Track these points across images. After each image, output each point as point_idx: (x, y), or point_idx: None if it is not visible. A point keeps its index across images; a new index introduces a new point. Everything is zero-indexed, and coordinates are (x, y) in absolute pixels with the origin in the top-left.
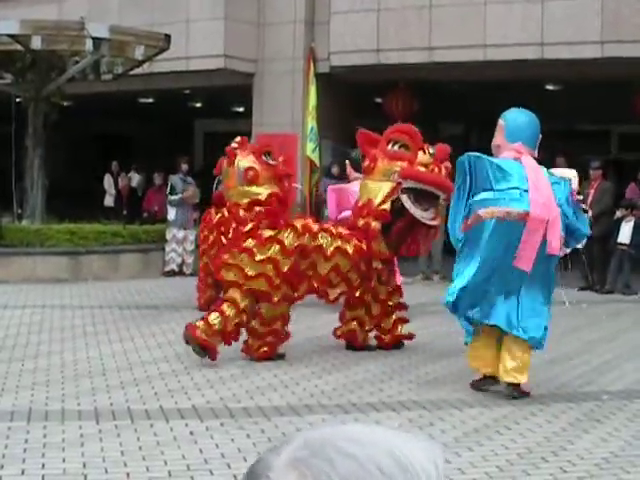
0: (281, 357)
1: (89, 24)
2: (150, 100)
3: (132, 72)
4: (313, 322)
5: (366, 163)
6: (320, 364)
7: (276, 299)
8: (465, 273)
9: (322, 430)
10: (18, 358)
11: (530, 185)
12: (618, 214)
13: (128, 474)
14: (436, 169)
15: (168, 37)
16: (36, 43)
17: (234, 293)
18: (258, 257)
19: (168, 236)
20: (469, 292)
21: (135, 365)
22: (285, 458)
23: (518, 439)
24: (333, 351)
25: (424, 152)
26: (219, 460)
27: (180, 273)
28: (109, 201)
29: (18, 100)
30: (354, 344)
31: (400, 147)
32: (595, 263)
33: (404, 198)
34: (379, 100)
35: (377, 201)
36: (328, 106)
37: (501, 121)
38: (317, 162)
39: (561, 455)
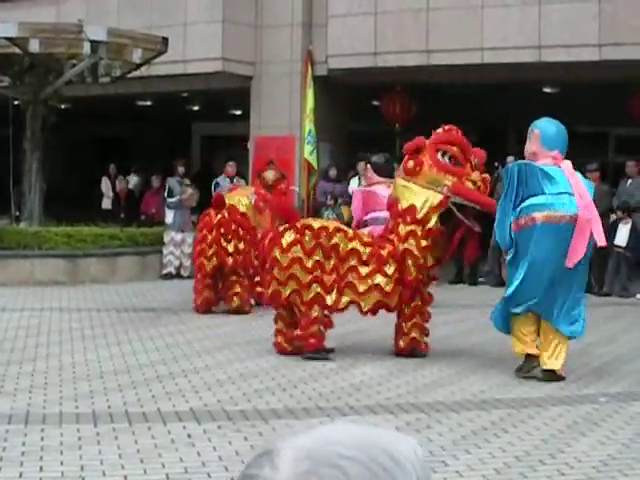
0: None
1: (87, 27)
2: (148, 103)
3: (130, 75)
4: None
5: (410, 165)
6: (317, 367)
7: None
8: (514, 281)
9: (309, 437)
10: (16, 361)
11: (574, 189)
12: (614, 216)
13: (126, 477)
14: (482, 186)
15: (166, 40)
16: (34, 46)
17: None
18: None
19: (166, 239)
20: (517, 294)
21: (133, 368)
22: (289, 473)
23: (515, 442)
24: (330, 354)
25: (471, 165)
26: (217, 463)
27: (178, 276)
28: (107, 204)
29: (16, 103)
30: (419, 351)
31: (450, 158)
32: (592, 265)
33: (455, 210)
34: (376, 103)
35: (422, 212)
36: (326, 109)
37: (535, 130)
38: (315, 165)
39: (559, 458)
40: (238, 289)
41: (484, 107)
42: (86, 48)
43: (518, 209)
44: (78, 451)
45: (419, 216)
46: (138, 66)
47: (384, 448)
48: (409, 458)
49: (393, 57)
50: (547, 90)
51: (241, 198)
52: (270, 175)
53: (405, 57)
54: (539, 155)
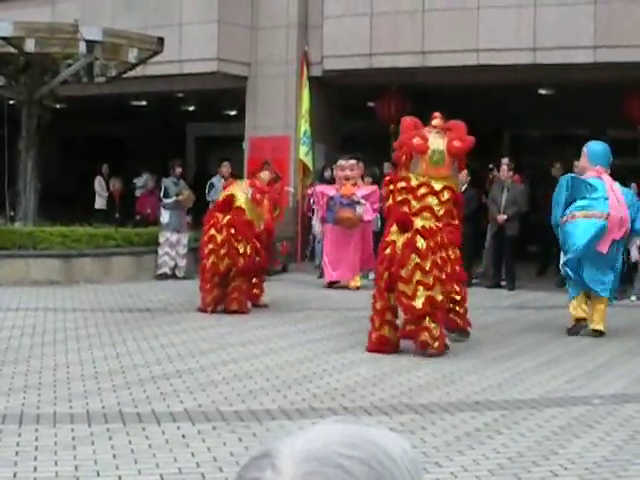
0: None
1: (83, 27)
2: (143, 103)
3: (125, 75)
4: (304, 326)
5: None
6: (312, 368)
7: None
8: (568, 255)
9: (306, 438)
10: (10, 361)
11: (609, 194)
12: None
13: (120, 477)
14: None
15: (161, 40)
16: (29, 46)
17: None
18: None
19: (161, 239)
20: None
21: (127, 368)
22: (293, 474)
23: (509, 443)
24: (324, 355)
25: None
26: (211, 464)
27: (173, 276)
28: (100, 204)
29: (11, 102)
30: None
31: None
32: None
33: None
34: (372, 104)
35: None
36: (321, 110)
37: (584, 149)
38: (310, 165)
39: (552, 459)
40: (239, 293)
41: (479, 108)
42: (82, 48)
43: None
44: (72, 451)
45: None
46: (134, 66)
47: (380, 446)
48: (402, 456)
49: (388, 58)
50: (542, 92)
51: (237, 193)
52: (265, 176)
53: (400, 58)
54: (586, 169)
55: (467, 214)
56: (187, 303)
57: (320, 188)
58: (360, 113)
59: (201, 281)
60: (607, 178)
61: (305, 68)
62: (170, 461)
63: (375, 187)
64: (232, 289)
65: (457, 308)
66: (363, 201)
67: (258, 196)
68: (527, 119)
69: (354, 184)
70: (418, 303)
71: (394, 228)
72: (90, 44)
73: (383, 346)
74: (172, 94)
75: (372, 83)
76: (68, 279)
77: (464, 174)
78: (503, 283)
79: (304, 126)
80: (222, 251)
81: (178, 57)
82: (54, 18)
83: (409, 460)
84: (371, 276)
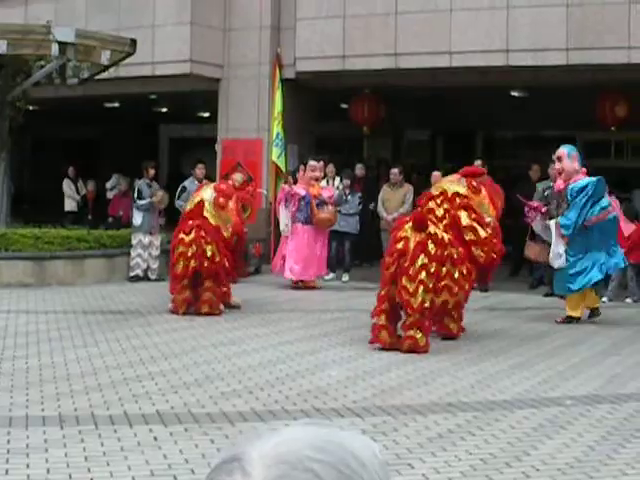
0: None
1: (55, 28)
2: (116, 105)
3: (98, 76)
4: (276, 328)
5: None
6: (284, 370)
7: None
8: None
9: (275, 441)
10: None
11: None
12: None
13: (92, 479)
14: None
15: (134, 42)
16: (1, 47)
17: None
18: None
19: (134, 241)
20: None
21: (99, 370)
22: (263, 478)
23: (482, 445)
24: (297, 357)
25: None
26: (183, 466)
27: (145, 278)
28: (71, 206)
29: None
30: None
31: None
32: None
33: None
34: (345, 106)
35: None
36: (294, 112)
37: (572, 152)
38: (283, 168)
39: (524, 460)
40: (210, 296)
41: (452, 110)
42: (54, 49)
43: (597, 207)
44: (44, 454)
45: None
46: (106, 68)
47: (349, 449)
48: (371, 459)
49: (361, 60)
50: (515, 94)
51: (204, 198)
52: (238, 177)
53: (373, 60)
54: (578, 171)
55: None
56: (160, 305)
57: (291, 188)
58: (333, 115)
59: (171, 283)
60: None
61: (278, 70)
62: (142, 463)
63: (332, 189)
64: (203, 291)
65: (452, 312)
66: (328, 202)
67: (221, 200)
68: (500, 121)
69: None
70: (415, 302)
71: (409, 225)
72: (63, 45)
73: (382, 339)
74: (145, 96)
75: (345, 85)
76: (40, 281)
77: (437, 176)
78: (475, 285)
79: (277, 128)
80: (190, 251)
81: (151, 59)
82: (27, 19)
83: (378, 463)
84: (330, 276)
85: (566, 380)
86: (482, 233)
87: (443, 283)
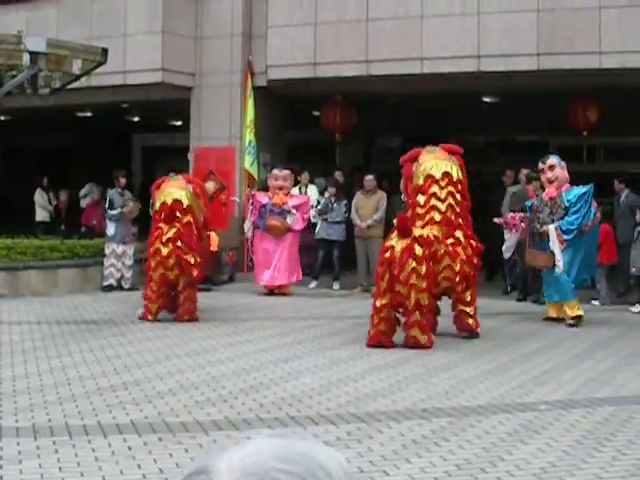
0: None
1: (26, 38)
2: (88, 114)
3: (70, 86)
4: (250, 336)
5: None
6: (258, 378)
7: None
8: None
9: (242, 453)
10: None
11: None
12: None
13: None
14: None
15: (105, 51)
16: None
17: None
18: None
19: (107, 251)
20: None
21: (73, 381)
22: None
23: (456, 450)
24: (271, 365)
25: None
26: (157, 475)
27: (119, 288)
28: (43, 216)
29: None
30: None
31: None
32: (529, 273)
33: None
34: (317, 113)
35: None
36: (266, 119)
37: (562, 162)
38: (255, 175)
39: (499, 466)
40: (188, 304)
41: (424, 117)
42: (25, 59)
43: (591, 213)
44: (18, 465)
45: None
46: (78, 77)
47: (316, 461)
48: (337, 469)
49: (333, 67)
50: (487, 99)
51: (178, 190)
52: (210, 186)
53: (344, 67)
54: (568, 179)
55: None
56: (133, 314)
57: (255, 194)
58: (305, 122)
59: (145, 290)
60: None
61: (249, 78)
62: (116, 473)
63: (306, 197)
64: (184, 300)
65: (467, 309)
66: (294, 211)
67: (198, 190)
68: (472, 127)
69: (287, 194)
70: (410, 304)
71: (394, 234)
72: (34, 55)
73: (381, 340)
74: (117, 105)
75: (317, 92)
76: (13, 292)
77: None
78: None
79: (249, 136)
80: (171, 261)
81: (122, 68)
82: None
83: (344, 473)
84: (313, 285)
85: (540, 385)
86: None
87: (442, 275)
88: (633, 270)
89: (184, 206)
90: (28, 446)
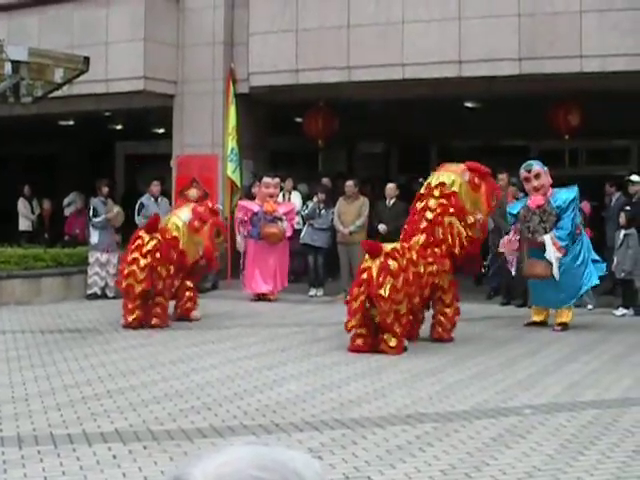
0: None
1: (8, 47)
2: (71, 122)
3: (52, 95)
4: (234, 343)
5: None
6: (242, 385)
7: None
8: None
9: (218, 461)
10: None
11: None
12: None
13: None
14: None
15: (87, 59)
16: None
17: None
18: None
19: (91, 259)
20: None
21: (58, 389)
22: None
23: (441, 456)
24: (255, 372)
25: None
26: None
27: (103, 296)
28: (25, 225)
29: None
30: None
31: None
32: (515, 278)
33: None
34: (299, 120)
35: None
36: (248, 126)
37: (544, 168)
38: (238, 183)
39: (484, 471)
40: (159, 310)
41: (406, 123)
42: (7, 68)
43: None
44: (3, 475)
45: None
46: (60, 86)
47: (291, 468)
48: (313, 477)
49: (314, 74)
50: (469, 105)
51: (175, 219)
52: (193, 193)
53: (326, 74)
54: (551, 185)
55: (397, 227)
56: (117, 323)
57: (244, 203)
58: (288, 129)
59: (124, 301)
60: None
61: (231, 85)
62: None
63: (293, 205)
64: (154, 305)
65: (442, 319)
66: (285, 217)
67: (196, 223)
68: (454, 132)
69: (274, 201)
70: (389, 317)
71: (367, 256)
72: (16, 64)
73: (361, 348)
74: (100, 113)
75: (299, 99)
76: None
77: (392, 188)
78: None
79: (231, 143)
80: (141, 275)
81: (104, 76)
82: None
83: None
84: (312, 292)
85: (525, 389)
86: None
87: (424, 280)
88: (622, 275)
89: (173, 237)
90: (13, 455)
